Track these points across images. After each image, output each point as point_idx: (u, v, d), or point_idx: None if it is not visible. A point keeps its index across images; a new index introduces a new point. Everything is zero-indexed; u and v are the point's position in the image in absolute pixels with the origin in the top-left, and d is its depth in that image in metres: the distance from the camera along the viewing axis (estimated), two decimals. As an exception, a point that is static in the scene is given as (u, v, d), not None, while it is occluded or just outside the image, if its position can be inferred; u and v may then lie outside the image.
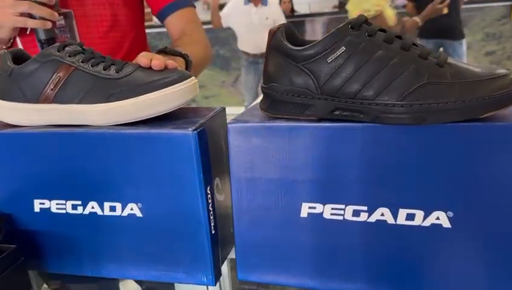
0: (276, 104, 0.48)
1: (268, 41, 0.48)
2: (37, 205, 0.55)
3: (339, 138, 0.45)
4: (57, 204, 0.55)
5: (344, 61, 0.43)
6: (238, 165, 0.49)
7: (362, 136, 0.44)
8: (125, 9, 0.94)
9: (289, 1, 4.23)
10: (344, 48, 0.43)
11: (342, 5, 3.79)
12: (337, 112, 0.45)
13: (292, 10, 4.28)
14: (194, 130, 0.48)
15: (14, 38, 0.87)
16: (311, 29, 4.06)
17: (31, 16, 0.78)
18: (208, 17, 3.19)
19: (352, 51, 0.43)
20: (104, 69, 0.52)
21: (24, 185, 0.55)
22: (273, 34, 0.47)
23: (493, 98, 0.40)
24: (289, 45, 0.46)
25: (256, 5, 3.04)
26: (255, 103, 0.56)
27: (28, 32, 0.86)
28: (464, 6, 2.95)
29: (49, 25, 0.79)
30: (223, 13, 3.11)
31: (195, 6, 1.02)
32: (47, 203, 0.55)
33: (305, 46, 0.45)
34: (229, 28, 3.17)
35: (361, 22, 0.44)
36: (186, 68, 0.75)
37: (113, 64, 0.52)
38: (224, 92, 4.34)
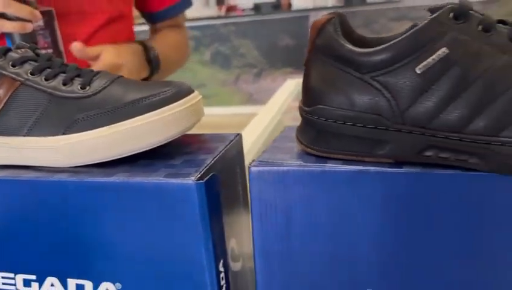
0: (325, 138, 0.31)
1: (311, 39, 0.31)
2: (-25, 278, 0.39)
3: (436, 194, 0.28)
4: (2, 278, 0.38)
5: (446, 71, 0.26)
6: (266, 232, 0.32)
7: (477, 191, 0.27)
8: (122, 2, 0.78)
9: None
10: (446, 51, 0.26)
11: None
12: (429, 153, 0.28)
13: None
14: (198, 178, 0.31)
15: None
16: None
17: (3, 17, 0.61)
18: (208, 12, 2.98)
19: (459, 55, 0.26)
20: (65, 84, 0.35)
21: (-46, 251, 0.38)
22: (319, 27, 0.30)
23: None
24: (349, 46, 0.29)
25: None
26: (285, 130, 0.39)
27: None
28: None
29: (29, 27, 0.62)
30: None
31: None
32: (-12, 277, 0.38)
33: (377, 48, 0.28)
34: (230, 24, 2.96)
35: (469, 9, 0.27)
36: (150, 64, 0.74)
37: (78, 76, 0.36)
38: (226, 91, 4.14)
